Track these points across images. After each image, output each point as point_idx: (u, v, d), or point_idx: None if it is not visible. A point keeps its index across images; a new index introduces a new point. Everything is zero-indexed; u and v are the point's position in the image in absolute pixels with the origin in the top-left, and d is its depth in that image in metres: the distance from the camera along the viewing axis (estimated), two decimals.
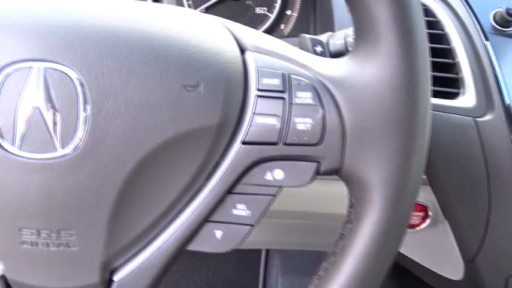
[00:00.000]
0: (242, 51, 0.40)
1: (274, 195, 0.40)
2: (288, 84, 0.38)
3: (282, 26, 0.92)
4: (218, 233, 0.40)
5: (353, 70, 0.38)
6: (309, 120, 0.37)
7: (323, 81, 0.38)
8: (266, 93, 0.38)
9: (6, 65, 0.35)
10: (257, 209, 0.40)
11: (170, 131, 0.36)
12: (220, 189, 0.39)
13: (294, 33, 0.92)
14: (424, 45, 0.36)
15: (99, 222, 0.37)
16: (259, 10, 0.91)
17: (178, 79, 0.36)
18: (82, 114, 0.35)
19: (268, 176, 0.39)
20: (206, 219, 0.40)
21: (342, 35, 0.53)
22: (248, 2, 0.91)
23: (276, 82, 0.38)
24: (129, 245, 0.39)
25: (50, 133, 0.35)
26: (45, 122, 0.35)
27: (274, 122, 0.37)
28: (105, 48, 0.36)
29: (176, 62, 0.37)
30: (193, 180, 0.39)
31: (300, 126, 0.37)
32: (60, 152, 0.35)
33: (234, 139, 0.38)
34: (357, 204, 0.39)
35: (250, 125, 0.38)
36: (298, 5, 0.91)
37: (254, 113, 0.38)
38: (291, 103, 0.37)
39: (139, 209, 0.38)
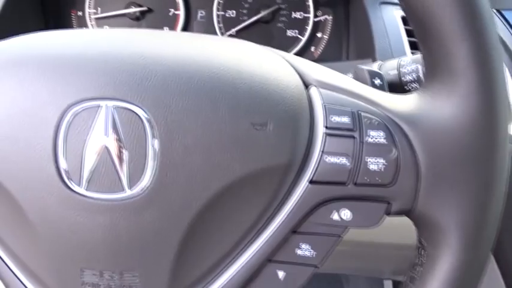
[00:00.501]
0: (306, 86, 0.39)
1: (340, 236, 0.38)
2: (358, 123, 0.37)
3: (313, 49, 0.92)
4: (280, 274, 0.39)
5: (426, 108, 0.37)
6: (381, 161, 0.36)
7: (395, 119, 0.37)
8: (335, 132, 0.37)
9: (75, 104, 0.34)
10: (322, 250, 0.38)
11: (239, 171, 0.35)
12: (284, 228, 0.38)
13: (324, 56, 0.91)
14: (503, 83, 0.35)
15: (164, 263, 0.36)
16: (290, 33, 0.91)
17: (247, 118, 0.35)
18: (150, 154, 0.34)
19: (335, 216, 0.38)
20: (269, 259, 0.38)
21: (394, 64, 0.52)
22: (279, 25, 0.91)
23: (345, 120, 0.37)
24: (191, 286, 0.38)
25: (117, 173, 0.34)
26: (113, 162, 0.34)
27: (344, 161, 0.36)
28: (173, 86, 0.35)
29: (245, 100, 0.36)
30: (258, 220, 0.37)
31: (372, 167, 0.36)
32: (128, 193, 0.34)
33: (301, 178, 0.37)
34: (429, 247, 0.37)
35: (318, 164, 0.37)
36: (329, 27, 0.91)
37: (323, 152, 0.37)
38: (362, 142, 0.36)
39: (204, 250, 0.37)
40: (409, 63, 0.51)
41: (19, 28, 0.81)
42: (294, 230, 0.38)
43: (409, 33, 0.71)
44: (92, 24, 0.92)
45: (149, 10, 0.91)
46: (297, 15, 0.90)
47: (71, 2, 0.92)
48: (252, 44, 0.43)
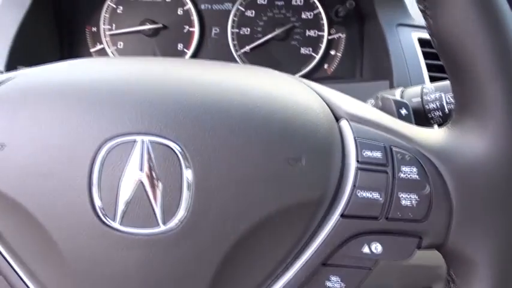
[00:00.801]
0: (336, 119, 0.39)
1: (370, 269, 0.38)
2: (390, 158, 0.37)
3: (326, 66, 0.92)
4: None
5: (458, 143, 0.37)
6: (414, 196, 0.36)
7: (427, 155, 0.37)
8: (367, 166, 0.37)
9: (110, 139, 0.34)
10: (352, 282, 0.38)
11: (272, 206, 0.35)
12: (314, 261, 0.38)
13: (337, 74, 0.92)
14: None
15: None
16: (304, 50, 0.91)
17: (281, 153, 0.36)
18: (185, 190, 0.34)
19: (366, 249, 0.38)
20: None
21: (418, 92, 0.52)
22: (293, 43, 0.91)
23: (378, 155, 0.37)
24: None
25: (152, 209, 0.34)
26: (147, 197, 0.34)
27: (377, 196, 0.36)
28: (208, 121, 0.35)
29: (278, 135, 0.36)
30: (289, 253, 0.37)
31: (405, 202, 0.36)
32: (162, 227, 0.34)
33: (332, 212, 0.37)
34: (459, 281, 0.37)
35: (350, 199, 0.37)
36: (342, 45, 0.91)
37: (355, 186, 0.37)
38: (395, 177, 0.36)
39: (236, 282, 0.37)
40: (432, 91, 0.51)
41: (35, 43, 0.81)
42: (324, 263, 0.38)
43: (426, 56, 0.72)
44: (106, 41, 0.92)
45: (164, 27, 0.91)
46: (311, 33, 0.91)
47: (85, 18, 0.93)
48: (282, 75, 0.43)
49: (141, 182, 0.34)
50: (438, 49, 0.38)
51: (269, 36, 0.90)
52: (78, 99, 0.36)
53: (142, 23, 0.90)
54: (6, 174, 0.35)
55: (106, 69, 0.39)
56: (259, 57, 0.91)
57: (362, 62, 0.89)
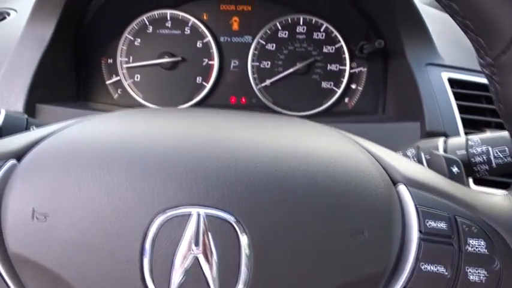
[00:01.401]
0: (393, 182, 0.37)
1: None
2: (456, 229, 0.35)
3: (347, 100, 0.90)
4: None
5: None
6: (482, 272, 0.34)
7: (495, 227, 0.35)
8: (431, 238, 0.35)
9: (164, 211, 0.32)
10: None
11: (333, 283, 0.33)
12: None
13: (359, 108, 0.90)
14: None
15: None
16: (325, 85, 0.90)
17: (343, 225, 0.33)
18: (243, 266, 0.32)
19: None
20: None
21: (462, 144, 0.50)
22: (314, 77, 0.89)
23: (442, 226, 0.35)
24: None
25: (208, 285, 0.32)
26: (203, 273, 0.32)
27: (442, 270, 0.34)
28: (267, 194, 0.33)
29: (340, 207, 0.34)
30: None
31: (473, 277, 0.34)
32: None
33: (393, 285, 0.35)
34: None
35: (413, 272, 0.34)
36: (364, 79, 0.90)
37: (418, 259, 0.34)
38: (462, 251, 0.34)
39: None
40: (479, 144, 0.49)
41: (53, 78, 0.79)
42: None
43: (456, 97, 0.70)
44: (123, 73, 0.90)
45: (182, 60, 0.89)
46: (333, 67, 0.89)
47: (101, 49, 0.91)
48: (332, 132, 0.41)
49: (197, 258, 0.32)
50: (504, 116, 0.36)
51: (290, 70, 0.88)
52: (127, 167, 0.34)
53: (160, 56, 0.89)
54: (48, 247, 0.33)
55: (155, 131, 0.37)
56: (280, 91, 0.89)
57: (385, 97, 0.87)
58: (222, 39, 0.90)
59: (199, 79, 0.90)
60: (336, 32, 0.88)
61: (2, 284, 0.35)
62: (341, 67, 0.89)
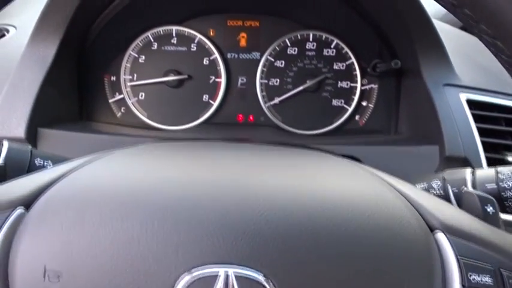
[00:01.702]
0: (430, 229, 0.35)
1: None
2: (501, 283, 0.32)
3: (357, 117, 0.88)
4: None
5: None
6: None
7: None
8: None
9: (189, 270, 0.29)
10: None
11: None
12: None
13: (370, 126, 0.87)
14: None
15: None
16: (336, 102, 0.87)
17: (382, 283, 0.31)
18: None
19: None
20: None
21: (491, 176, 0.47)
22: (325, 94, 0.87)
23: (487, 280, 0.32)
24: None
25: None
26: None
27: None
28: (299, 249, 0.30)
29: (378, 262, 0.31)
30: None
31: None
32: None
33: None
34: None
35: None
36: (374, 96, 0.87)
37: None
38: None
39: None
40: (510, 177, 0.47)
41: (55, 99, 0.76)
42: None
43: (475, 118, 0.67)
44: (127, 91, 0.87)
45: (189, 77, 0.86)
46: (343, 84, 0.86)
47: (104, 67, 0.87)
48: (363, 172, 0.39)
49: None
50: None
51: (300, 88, 0.85)
52: (146, 220, 0.31)
53: (166, 74, 0.86)
54: None
55: (175, 176, 0.34)
56: (289, 109, 0.86)
57: (398, 116, 0.84)
58: (229, 55, 0.88)
59: (205, 97, 0.87)
60: (346, 49, 0.86)
61: None
62: (352, 84, 0.86)
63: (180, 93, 0.87)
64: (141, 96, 0.87)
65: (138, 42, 0.87)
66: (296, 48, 0.87)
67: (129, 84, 0.87)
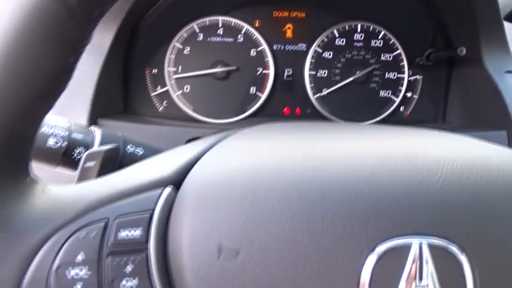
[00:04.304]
0: None
1: None
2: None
3: (402, 109, 0.88)
4: None
5: None
6: None
7: None
8: None
9: (380, 243, 0.28)
10: None
11: None
12: None
13: (414, 117, 0.87)
14: None
15: None
16: (383, 93, 0.87)
17: None
18: None
19: None
20: None
21: None
22: (372, 85, 0.86)
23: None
24: None
25: None
26: None
27: None
28: (491, 224, 0.29)
29: None
30: None
31: None
32: None
33: None
34: None
35: None
36: (419, 87, 0.87)
37: None
38: None
39: None
40: None
41: (109, 92, 0.73)
42: None
43: None
44: (171, 84, 0.85)
45: (236, 69, 0.85)
46: (391, 75, 0.86)
47: (146, 59, 0.85)
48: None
49: None
50: None
51: (350, 79, 0.84)
52: (328, 193, 0.29)
53: (213, 65, 0.84)
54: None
55: (342, 150, 0.33)
56: (337, 100, 0.86)
57: (446, 105, 0.84)
58: (275, 47, 0.86)
59: (253, 89, 0.85)
60: (394, 39, 0.86)
61: None
62: (399, 75, 0.86)
63: (226, 86, 0.85)
64: (186, 88, 0.85)
65: (183, 33, 0.85)
66: (344, 39, 0.86)
67: (174, 76, 0.85)
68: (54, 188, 0.32)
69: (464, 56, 0.76)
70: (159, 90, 0.86)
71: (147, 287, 0.29)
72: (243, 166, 0.32)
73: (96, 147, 0.45)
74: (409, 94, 0.87)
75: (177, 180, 0.33)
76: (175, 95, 0.85)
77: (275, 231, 0.29)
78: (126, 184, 0.32)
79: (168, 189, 0.32)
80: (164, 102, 0.86)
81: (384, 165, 0.31)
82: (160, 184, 0.32)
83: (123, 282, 0.29)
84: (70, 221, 0.30)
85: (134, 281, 0.29)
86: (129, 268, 0.29)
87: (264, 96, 0.85)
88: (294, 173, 0.30)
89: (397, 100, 0.86)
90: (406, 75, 0.86)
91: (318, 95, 0.86)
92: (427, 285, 0.28)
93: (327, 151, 0.33)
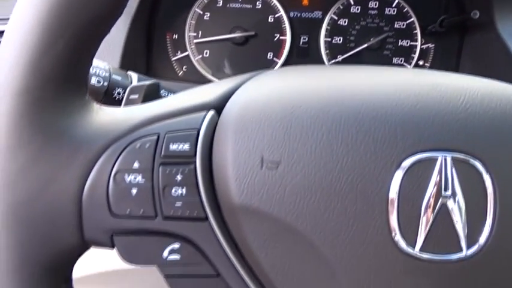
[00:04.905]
0: None
1: None
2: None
3: None
4: None
5: None
6: None
7: None
8: None
9: (409, 156, 0.31)
10: None
11: None
12: None
13: None
14: None
15: None
16: (396, 60, 0.90)
17: None
18: (490, 213, 0.31)
19: None
20: None
21: None
22: (386, 53, 0.89)
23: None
24: None
25: (457, 233, 0.31)
26: (452, 221, 0.31)
27: None
28: (508, 135, 0.32)
29: None
30: None
31: None
32: (465, 253, 0.31)
33: None
34: None
35: None
36: (431, 55, 0.90)
37: None
38: None
39: None
40: None
41: (134, 48, 0.76)
42: None
43: None
44: (191, 48, 0.88)
45: (254, 35, 0.88)
46: (404, 43, 0.89)
47: (167, 24, 0.88)
48: None
49: (443, 203, 0.31)
50: None
51: (364, 45, 0.87)
52: (362, 110, 0.33)
53: (232, 31, 0.87)
54: (281, 197, 0.32)
55: (365, 83, 0.36)
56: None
57: (457, 71, 0.87)
58: (291, 14, 0.89)
59: (270, 55, 0.88)
60: (407, 7, 0.88)
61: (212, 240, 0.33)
62: (412, 43, 0.89)
63: (245, 51, 0.88)
64: (206, 53, 0.88)
65: None
66: (359, 7, 0.88)
67: (194, 41, 0.88)
68: (108, 108, 0.35)
69: (476, 21, 0.79)
70: (179, 55, 0.89)
71: (194, 195, 0.33)
72: (282, 90, 0.35)
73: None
74: (421, 62, 0.90)
75: (218, 106, 0.36)
76: (195, 59, 0.88)
77: (312, 144, 0.32)
78: (173, 106, 0.35)
79: (211, 112, 0.35)
80: (184, 67, 0.89)
81: (411, 90, 0.34)
82: (203, 108, 0.35)
83: (173, 189, 0.33)
84: (125, 134, 0.33)
85: (183, 189, 0.33)
86: (178, 178, 0.33)
87: (280, 62, 0.88)
88: (330, 95, 0.34)
89: (410, 67, 0.89)
90: (418, 44, 0.89)
91: (333, 61, 0.89)
92: (451, 195, 0.31)
93: (358, 79, 0.36)
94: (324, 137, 0.32)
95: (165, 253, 0.33)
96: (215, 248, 0.33)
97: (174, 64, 0.89)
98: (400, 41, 0.89)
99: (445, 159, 0.31)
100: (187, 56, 0.88)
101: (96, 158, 0.32)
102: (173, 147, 0.33)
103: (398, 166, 0.31)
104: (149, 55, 0.87)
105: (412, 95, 0.34)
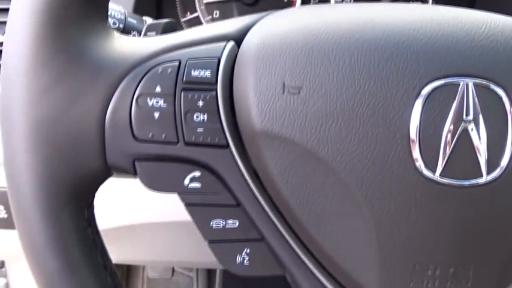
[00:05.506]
0: None
1: None
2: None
3: None
4: None
5: None
6: None
7: None
8: None
9: (432, 80, 0.31)
10: None
11: None
12: None
13: None
14: None
15: (502, 256, 0.33)
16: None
17: None
18: (510, 137, 0.31)
19: None
20: None
21: None
22: None
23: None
24: None
25: (477, 158, 0.31)
26: (473, 145, 0.31)
27: None
28: None
29: None
30: None
31: None
32: (485, 178, 0.31)
33: None
34: None
35: None
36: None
37: None
38: None
39: None
40: None
41: (144, 5, 0.76)
42: None
43: None
44: (201, 9, 0.87)
45: None
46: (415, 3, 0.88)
47: None
48: None
49: (466, 130, 0.31)
50: None
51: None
52: (384, 39, 0.32)
53: None
54: (303, 122, 0.32)
55: (383, 15, 0.35)
56: None
57: None
58: None
59: None
60: None
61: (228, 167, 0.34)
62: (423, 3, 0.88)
63: (254, 11, 0.87)
64: (216, 14, 0.88)
65: None
66: None
67: (204, 2, 0.87)
68: (129, 37, 0.35)
69: None
70: (189, 16, 0.88)
71: (216, 121, 0.33)
72: (303, 19, 0.35)
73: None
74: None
75: (238, 38, 0.36)
76: (205, 20, 0.87)
77: (334, 70, 0.32)
78: (194, 36, 0.35)
79: (231, 43, 0.35)
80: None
81: (432, 18, 0.34)
82: (224, 38, 0.35)
83: (195, 115, 0.33)
84: (147, 59, 0.33)
85: (205, 115, 0.33)
86: (200, 103, 0.33)
87: None
88: (352, 23, 0.34)
89: None
90: (430, 2, 0.88)
91: None
92: (472, 119, 0.31)
93: (379, 11, 0.36)
94: (346, 62, 0.32)
95: (186, 181, 0.33)
96: (236, 177, 0.34)
97: (184, 26, 0.88)
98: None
99: (467, 85, 0.31)
100: (197, 17, 0.88)
101: (119, 80, 0.32)
102: (195, 73, 0.33)
103: (420, 91, 0.31)
104: (158, 17, 0.86)
105: (433, 24, 0.33)
